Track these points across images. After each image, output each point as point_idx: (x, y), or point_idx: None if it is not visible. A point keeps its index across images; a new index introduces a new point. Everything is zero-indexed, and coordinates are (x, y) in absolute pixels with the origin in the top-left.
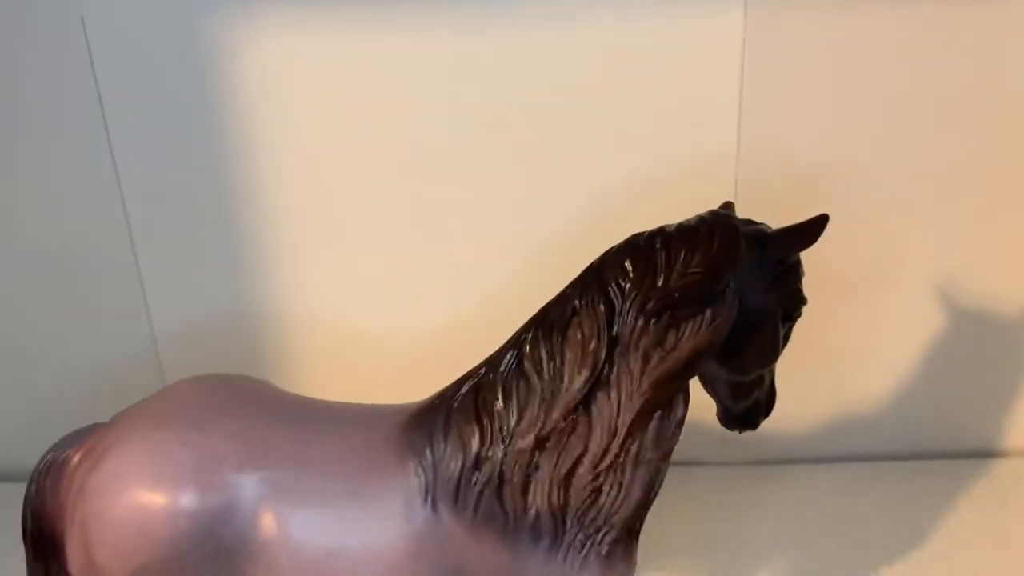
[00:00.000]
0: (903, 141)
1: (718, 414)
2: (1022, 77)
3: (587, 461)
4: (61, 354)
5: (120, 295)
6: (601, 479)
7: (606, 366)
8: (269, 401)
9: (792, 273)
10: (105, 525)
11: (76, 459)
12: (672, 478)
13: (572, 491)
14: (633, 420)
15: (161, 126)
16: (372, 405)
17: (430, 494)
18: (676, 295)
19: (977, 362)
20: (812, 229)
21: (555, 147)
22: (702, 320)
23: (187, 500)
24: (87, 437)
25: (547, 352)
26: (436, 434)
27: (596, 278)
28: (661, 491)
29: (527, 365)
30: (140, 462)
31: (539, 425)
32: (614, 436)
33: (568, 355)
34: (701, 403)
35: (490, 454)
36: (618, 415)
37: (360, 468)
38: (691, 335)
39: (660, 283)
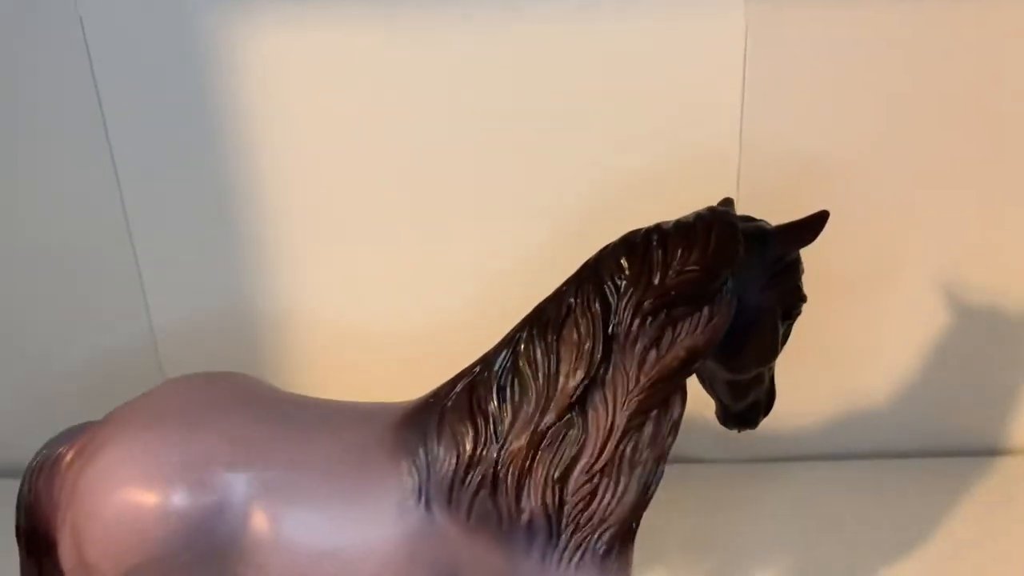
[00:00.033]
0: (906, 138)
1: (717, 413)
2: None
3: (582, 462)
4: (61, 351)
5: (119, 293)
6: (596, 480)
7: (602, 366)
8: (262, 399)
9: (792, 270)
10: (96, 524)
11: (69, 457)
12: (675, 475)
13: (567, 492)
14: (629, 420)
15: (160, 124)
16: (366, 403)
17: (423, 494)
18: (673, 293)
19: (981, 359)
20: (812, 226)
21: (556, 145)
22: (699, 319)
23: (178, 499)
24: (80, 435)
25: (542, 351)
26: (430, 434)
27: (592, 276)
28: (664, 488)
29: (522, 364)
30: (131, 461)
31: (534, 425)
32: (609, 436)
33: (563, 354)
34: (704, 400)
35: (484, 454)
36: (614, 415)
37: (353, 468)
38: (688, 334)
39: (656, 281)
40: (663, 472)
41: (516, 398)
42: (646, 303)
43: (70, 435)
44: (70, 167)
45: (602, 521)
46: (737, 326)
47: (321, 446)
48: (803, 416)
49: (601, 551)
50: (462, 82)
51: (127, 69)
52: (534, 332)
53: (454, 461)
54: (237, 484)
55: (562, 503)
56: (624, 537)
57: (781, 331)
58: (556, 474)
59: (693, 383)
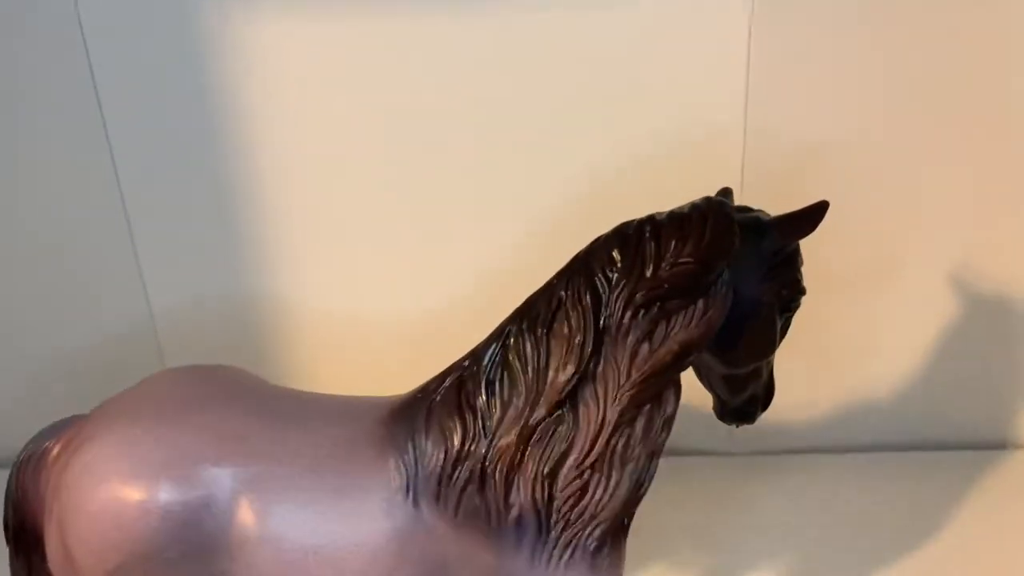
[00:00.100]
0: (912, 125)
1: (714, 407)
2: None
3: (572, 458)
4: (60, 341)
5: (119, 286)
6: (587, 476)
7: (592, 360)
8: (250, 393)
9: (790, 262)
10: (81, 519)
11: (55, 452)
12: (680, 468)
13: (557, 488)
14: (620, 415)
15: (158, 118)
16: (356, 397)
17: (411, 490)
18: (666, 286)
19: (986, 350)
20: (811, 216)
21: (558, 135)
22: (693, 312)
23: (162, 495)
24: (66, 429)
25: (532, 345)
26: (418, 429)
27: (583, 268)
28: (667, 481)
29: (511, 358)
30: (116, 456)
31: (523, 420)
32: (600, 432)
33: (553, 348)
34: (705, 392)
35: (472, 450)
36: (605, 410)
37: (341, 463)
38: (681, 328)
39: (649, 274)
40: (656, 468)
41: (505, 393)
42: (638, 296)
43: (56, 429)
44: (69, 162)
45: (593, 517)
46: (733, 319)
47: (309, 441)
48: (813, 407)
49: (592, 548)
50: (460, 76)
51: (124, 54)
52: (524, 326)
53: (442, 457)
54: (223, 479)
55: (551, 499)
56: (616, 533)
57: (779, 324)
58: (546, 470)
59: (691, 377)
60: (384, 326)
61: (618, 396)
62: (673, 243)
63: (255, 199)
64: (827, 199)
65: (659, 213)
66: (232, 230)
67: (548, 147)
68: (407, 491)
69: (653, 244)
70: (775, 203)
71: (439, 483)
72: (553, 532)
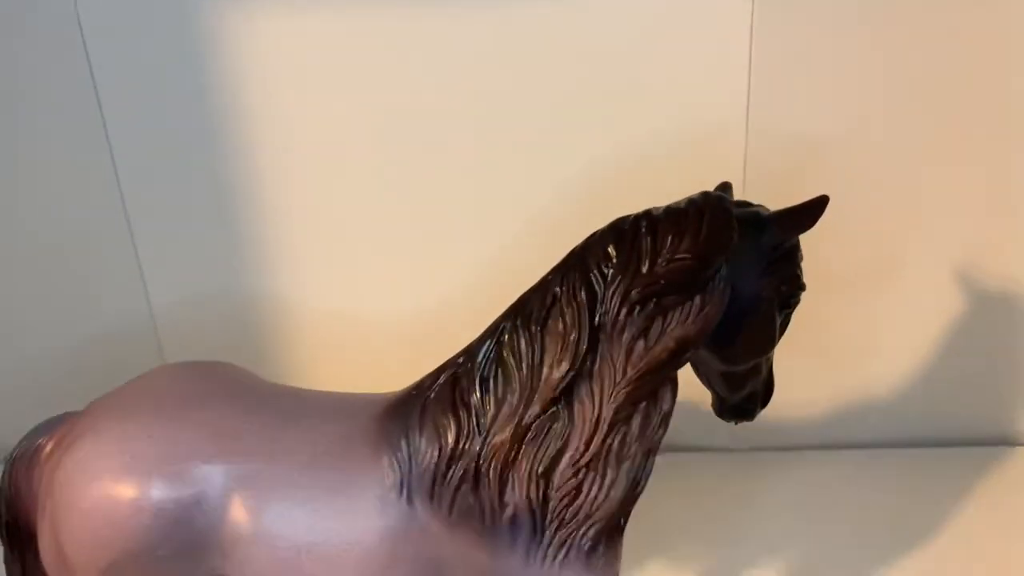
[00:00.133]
0: (915, 121)
1: (713, 404)
2: None
3: (567, 456)
4: (60, 340)
5: (118, 281)
6: (582, 475)
7: (587, 357)
8: (244, 390)
9: (789, 258)
10: (73, 517)
11: (48, 449)
12: (680, 464)
13: (552, 487)
14: (616, 413)
15: (157, 116)
16: (352, 394)
17: (405, 488)
18: (662, 282)
19: (990, 347)
20: (811, 211)
21: (559, 132)
22: (690, 308)
23: (154, 493)
24: (59, 426)
25: (526, 342)
26: (412, 426)
27: (578, 264)
28: (670, 478)
29: (506, 355)
30: (108, 453)
31: (517, 418)
32: (596, 430)
33: (548, 345)
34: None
35: (466, 448)
36: (600, 408)
37: (335, 460)
38: (678, 324)
39: (645, 269)
40: (653, 466)
41: (499, 390)
42: (634, 292)
43: (50, 426)
44: (69, 161)
45: (588, 517)
46: (732, 315)
47: (303, 438)
48: (815, 404)
49: (587, 547)
50: (461, 74)
51: (126, 67)
52: (518, 322)
53: (436, 454)
54: (216, 477)
55: (546, 498)
56: (611, 533)
57: (779, 321)
58: (540, 468)
59: (690, 373)
60: (384, 324)
61: (614, 393)
62: (669, 238)
63: (254, 198)
64: (831, 196)
65: (655, 208)
66: (232, 229)
67: (549, 146)
68: (401, 489)
69: (649, 239)
70: (777, 201)
71: (433, 481)
72: (548, 531)
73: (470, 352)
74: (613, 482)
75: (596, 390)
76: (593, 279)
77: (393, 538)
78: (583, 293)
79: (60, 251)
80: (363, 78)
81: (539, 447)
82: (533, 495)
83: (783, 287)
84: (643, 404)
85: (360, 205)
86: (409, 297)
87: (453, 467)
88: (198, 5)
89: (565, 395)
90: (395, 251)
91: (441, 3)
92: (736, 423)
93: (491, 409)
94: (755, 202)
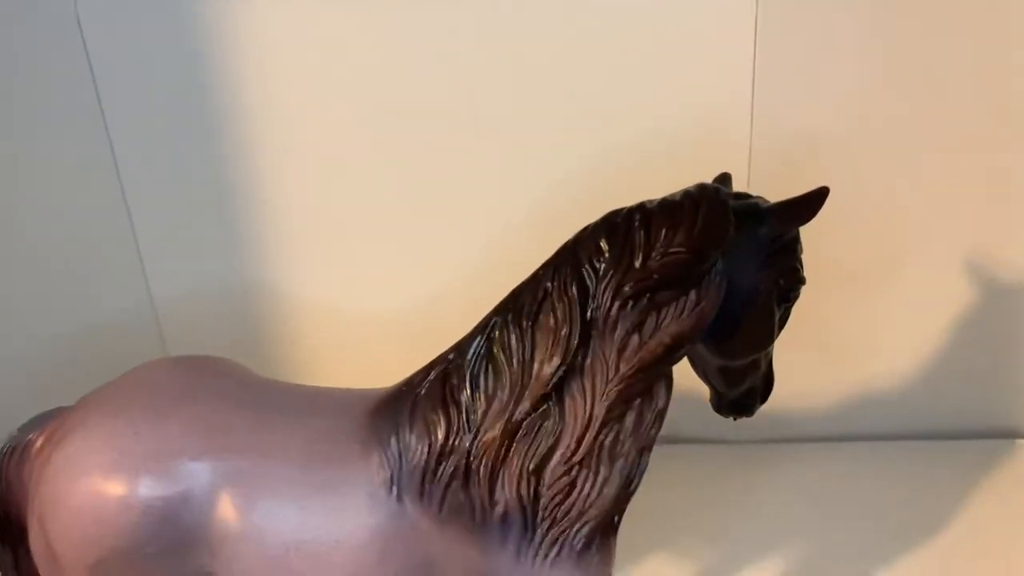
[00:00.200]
0: (920, 119)
1: (711, 399)
2: None
3: (559, 454)
4: (61, 332)
5: (120, 274)
6: (574, 472)
7: (579, 352)
8: (234, 386)
9: (789, 250)
10: (61, 513)
11: (38, 444)
12: (681, 456)
13: (543, 484)
14: (608, 411)
15: (156, 110)
16: (344, 390)
17: (395, 486)
18: (656, 277)
19: (995, 340)
20: (810, 203)
21: (561, 128)
22: (685, 303)
23: (141, 490)
24: (50, 421)
25: (517, 337)
26: (402, 423)
27: (570, 258)
28: (676, 470)
29: (496, 351)
30: (96, 449)
31: (508, 415)
32: (588, 427)
33: (539, 341)
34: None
35: (456, 444)
36: (592, 405)
37: (325, 458)
38: (672, 320)
39: (638, 264)
40: (647, 464)
41: (490, 386)
42: (627, 287)
43: (41, 420)
44: (70, 156)
45: (580, 515)
46: (729, 310)
47: (293, 434)
48: (820, 396)
49: (580, 546)
50: (461, 71)
51: (125, 63)
52: (509, 318)
53: (426, 451)
54: (204, 474)
55: (537, 496)
56: (604, 531)
57: (778, 315)
58: (531, 465)
59: (689, 365)
60: (384, 318)
61: (606, 391)
62: (664, 232)
63: (254, 193)
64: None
65: (650, 201)
66: (232, 223)
67: (550, 144)
68: (391, 486)
69: (643, 233)
70: (783, 188)
71: (423, 478)
72: (539, 529)
73: (460, 348)
74: (606, 480)
75: (588, 386)
76: (585, 274)
77: (383, 535)
78: (574, 288)
79: (62, 246)
80: (363, 75)
81: (530, 444)
82: (524, 492)
83: (782, 280)
84: (637, 401)
85: (360, 200)
86: (409, 291)
87: (443, 464)
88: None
89: (556, 391)
90: (395, 245)
91: None
92: (735, 419)
93: (481, 405)
94: (754, 194)
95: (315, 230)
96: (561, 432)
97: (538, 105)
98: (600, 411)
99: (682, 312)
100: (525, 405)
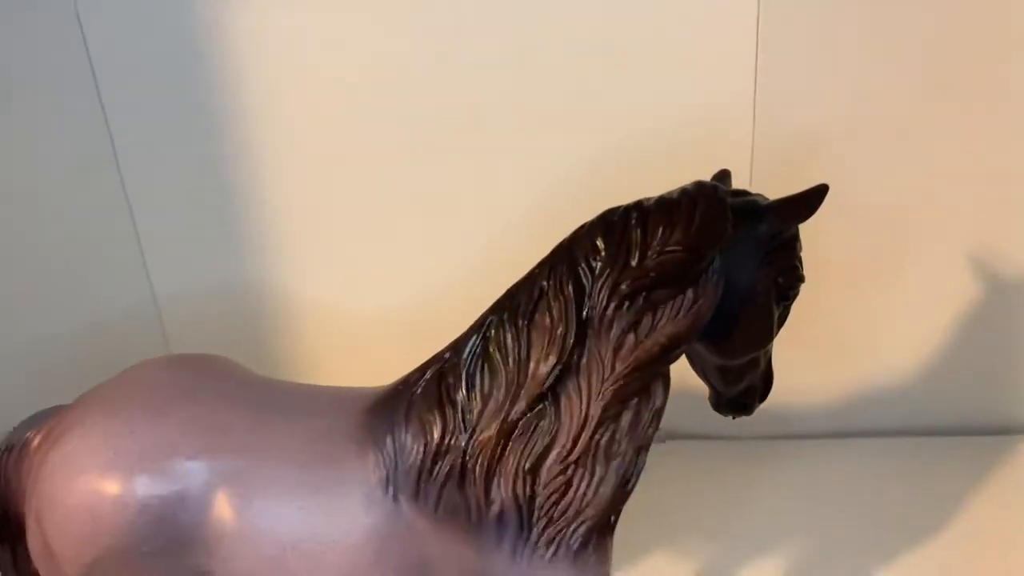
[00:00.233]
0: (927, 100)
1: (710, 398)
2: None
3: (555, 453)
4: (63, 330)
5: (122, 271)
6: (570, 472)
7: (575, 352)
8: (231, 384)
9: (788, 248)
10: (57, 512)
11: (36, 442)
12: (690, 452)
13: (539, 484)
14: (604, 410)
15: (159, 111)
16: (341, 389)
17: (391, 485)
18: (652, 275)
19: (998, 336)
20: (809, 200)
21: (562, 124)
22: (681, 302)
23: (138, 489)
24: (48, 420)
25: (512, 336)
26: (397, 422)
27: (566, 257)
28: (675, 466)
29: (492, 350)
30: (92, 449)
31: (504, 414)
32: (584, 426)
33: (534, 340)
34: None
35: (452, 444)
36: (588, 404)
37: (321, 457)
38: (669, 319)
39: (634, 263)
40: (644, 463)
41: (486, 385)
42: (622, 286)
43: (39, 419)
44: (71, 154)
45: (577, 514)
46: (727, 309)
47: (289, 434)
48: (824, 391)
49: (576, 546)
50: (460, 64)
51: (125, 59)
52: (505, 317)
53: (421, 451)
54: (200, 473)
55: (533, 495)
56: (601, 531)
57: (777, 313)
58: (527, 465)
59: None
60: (386, 316)
61: (602, 390)
62: (660, 230)
63: (256, 190)
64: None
65: (647, 199)
66: (233, 220)
67: (552, 142)
68: (387, 486)
69: (639, 231)
70: (785, 184)
71: (419, 478)
72: (535, 529)
73: (456, 347)
74: (602, 479)
75: (584, 386)
76: (581, 272)
77: (379, 535)
78: (570, 287)
79: (65, 246)
80: (363, 75)
81: (526, 443)
82: (520, 492)
83: (781, 279)
84: (634, 400)
85: (361, 198)
86: (410, 290)
87: (439, 463)
88: None
89: (552, 391)
90: (396, 244)
91: None
92: (734, 417)
93: (477, 405)
94: (753, 191)
95: (316, 228)
96: (557, 431)
97: (540, 105)
98: (596, 410)
99: (679, 311)
100: (521, 404)
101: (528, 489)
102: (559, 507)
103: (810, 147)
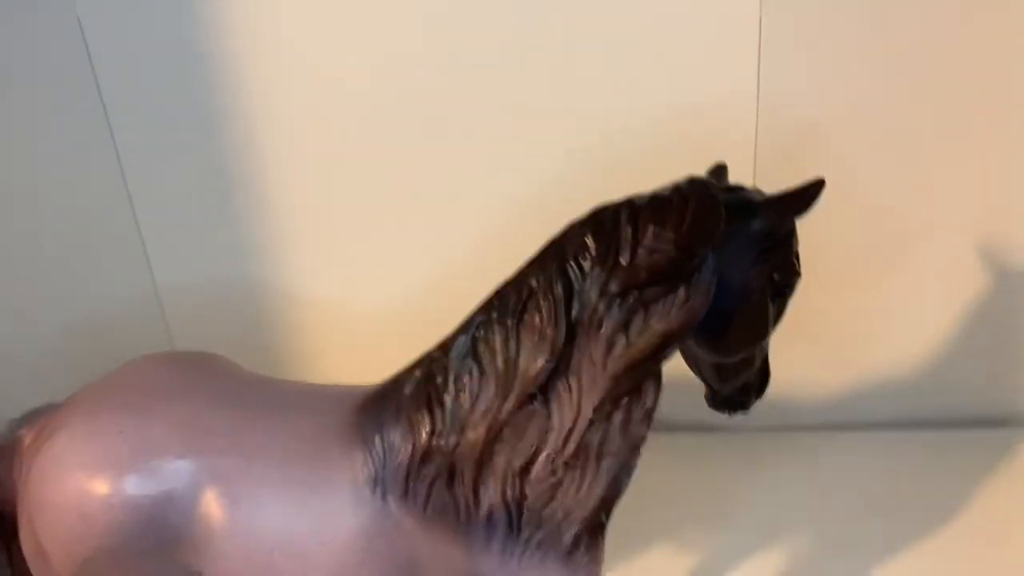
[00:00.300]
0: (927, 105)
1: (705, 395)
2: None
3: (545, 454)
4: (64, 325)
5: (124, 266)
6: (560, 473)
7: (565, 351)
8: (222, 383)
9: (783, 244)
10: (47, 511)
11: (28, 440)
12: (688, 444)
13: (529, 485)
14: (596, 410)
15: (159, 107)
16: (331, 387)
17: (379, 485)
18: (643, 274)
19: (1001, 330)
20: (805, 196)
21: (562, 117)
22: (673, 301)
23: (128, 489)
24: (39, 418)
25: (502, 336)
26: (386, 421)
27: (555, 255)
28: (679, 458)
29: (481, 350)
30: (81, 448)
31: (493, 414)
32: (575, 427)
33: (524, 340)
34: None
35: (441, 444)
36: (579, 404)
37: (310, 455)
38: (660, 318)
39: (625, 261)
40: (637, 463)
41: (475, 385)
42: (613, 285)
43: (32, 417)
44: (72, 151)
45: (567, 515)
46: (721, 306)
47: (279, 432)
48: (826, 383)
49: (567, 547)
50: (461, 61)
51: (125, 58)
52: (493, 316)
53: (410, 450)
54: (189, 472)
55: (523, 496)
56: (592, 531)
57: (772, 310)
58: (517, 465)
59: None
60: (387, 313)
61: (593, 390)
62: (651, 228)
63: (257, 186)
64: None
65: (639, 195)
66: (235, 217)
67: (553, 139)
68: (375, 485)
69: (630, 229)
70: (789, 176)
71: (407, 478)
72: (525, 530)
73: (445, 346)
74: (593, 480)
75: (574, 386)
76: (570, 271)
77: (367, 535)
78: (559, 286)
79: (67, 243)
80: (363, 75)
81: (516, 443)
82: (509, 492)
83: (776, 275)
84: (625, 400)
85: (362, 196)
86: (410, 287)
87: (428, 463)
88: None
89: (542, 391)
90: (397, 241)
91: None
92: (730, 415)
93: (466, 404)
94: (749, 186)
95: (317, 225)
96: (547, 432)
97: (542, 102)
98: (587, 411)
99: (670, 310)
100: (510, 404)
101: (518, 489)
102: (549, 507)
103: (813, 143)
